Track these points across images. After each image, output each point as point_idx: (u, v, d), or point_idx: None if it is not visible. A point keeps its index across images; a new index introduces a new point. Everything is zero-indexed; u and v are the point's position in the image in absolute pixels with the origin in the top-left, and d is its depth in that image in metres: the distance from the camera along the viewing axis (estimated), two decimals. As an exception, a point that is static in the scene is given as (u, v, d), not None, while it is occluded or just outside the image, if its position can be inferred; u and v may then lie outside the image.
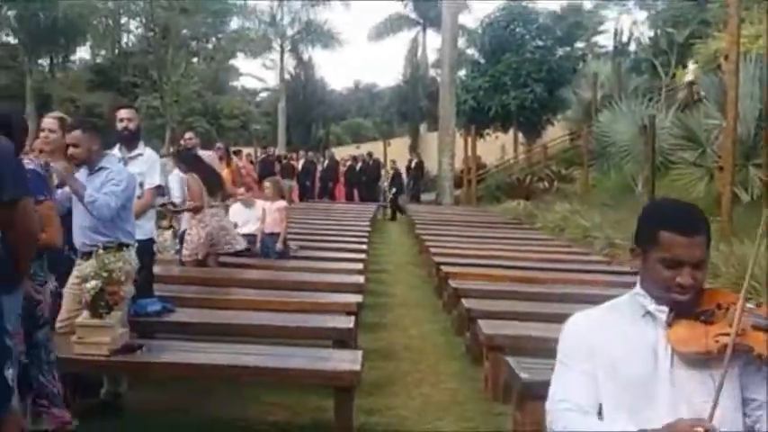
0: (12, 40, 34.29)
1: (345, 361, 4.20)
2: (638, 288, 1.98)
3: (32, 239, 3.03)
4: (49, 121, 4.71)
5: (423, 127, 39.03)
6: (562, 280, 7.62)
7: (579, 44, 31.90)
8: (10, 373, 2.58)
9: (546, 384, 3.78)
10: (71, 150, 4.39)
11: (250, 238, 8.28)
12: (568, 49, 29.87)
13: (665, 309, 1.91)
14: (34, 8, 30.69)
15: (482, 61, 28.88)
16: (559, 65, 27.61)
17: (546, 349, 4.70)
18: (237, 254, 8.14)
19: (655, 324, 1.92)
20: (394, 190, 20.07)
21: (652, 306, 1.93)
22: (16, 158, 3.05)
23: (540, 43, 28.25)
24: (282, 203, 8.37)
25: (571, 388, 1.95)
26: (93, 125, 4.64)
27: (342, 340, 5.04)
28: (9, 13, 32.41)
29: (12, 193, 2.80)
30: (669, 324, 1.90)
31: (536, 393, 3.85)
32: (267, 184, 8.65)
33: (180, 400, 4.67)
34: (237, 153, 15.24)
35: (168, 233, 8.75)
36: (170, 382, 4.75)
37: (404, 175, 22.54)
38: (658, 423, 1.79)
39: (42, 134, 4.70)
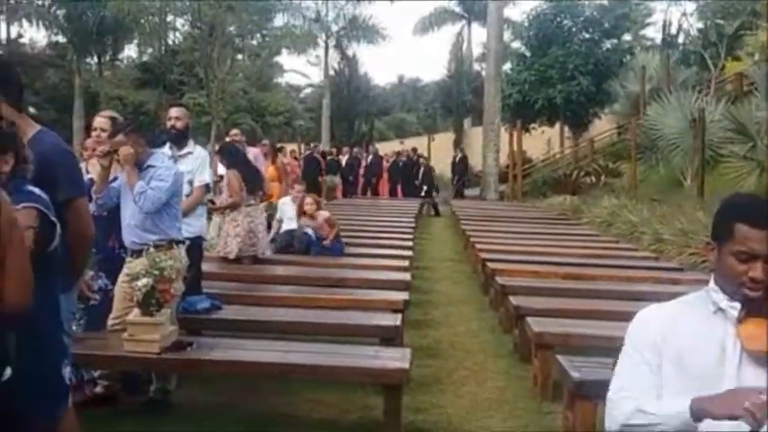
0: (61, 39, 35.07)
1: (394, 359, 4.18)
2: (711, 284, 1.96)
3: (87, 240, 3.08)
4: (100, 121, 4.77)
5: (467, 122, 38.80)
6: (610, 276, 7.49)
7: (626, 36, 31.24)
8: (67, 371, 2.62)
9: (598, 383, 3.75)
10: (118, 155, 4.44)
11: (294, 232, 8.34)
12: (616, 41, 29.31)
13: (737, 305, 1.88)
14: (82, 7, 31.30)
15: (528, 54, 28.57)
16: (607, 57, 27.16)
17: (596, 347, 4.68)
18: (283, 250, 8.22)
19: (726, 320, 1.90)
20: (425, 188, 19.82)
21: (724, 302, 1.90)
22: (73, 159, 3.11)
23: (587, 36, 27.83)
24: (325, 214, 8.36)
25: (635, 379, 1.93)
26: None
27: (389, 338, 5.02)
28: (58, 12, 33.13)
29: (67, 193, 2.85)
30: (740, 321, 1.87)
31: (587, 392, 3.80)
32: (308, 200, 8.54)
33: (227, 397, 4.71)
34: (281, 150, 15.38)
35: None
36: (217, 379, 4.81)
37: (435, 171, 22.34)
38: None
39: (94, 133, 4.77)
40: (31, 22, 34.59)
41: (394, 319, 5.24)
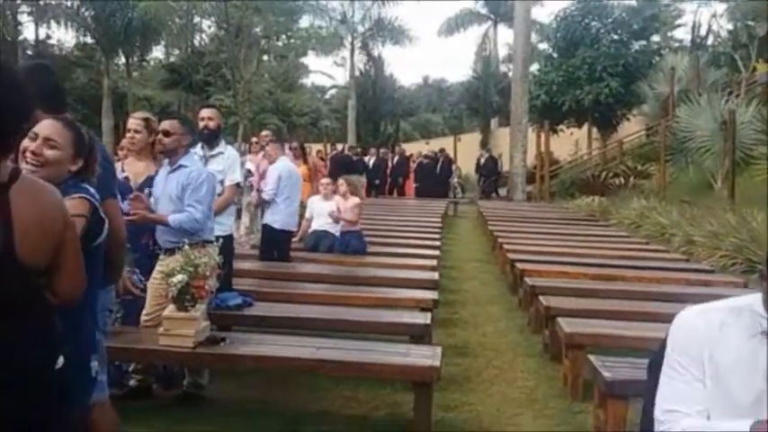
0: (89, 40, 35.58)
1: (425, 356, 4.21)
2: (761, 305, 1.87)
3: (121, 238, 3.17)
4: (134, 122, 4.87)
5: (494, 122, 38.71)
6: (640, 278, 7.46)
7: (655, 38, 30.97)
8: (95, 365, 2.68)
9: (629, 383, 3.78)
10: (161, 138, 4.55)
11: (320, 233, 8.41)
12: (644, 42, 29.07)
13: None
14: (111, 9, 31.72)
15: (555, 56, 28.44)
16: (635, 59, 26.95)
17: (628, 347, 4.69)
18: (311, 249, 8.31)
19: None
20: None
21: None
22: (105, 160, 3.19)
23: (616, 37, 27.63)
24: (357, 200, 8.46)
25: (683, 394, 1.89)
26: (190, 121, 4.81)
27: (418, 336, 5.06)
28: (86, 13, 33.61)
29: (100, 193, 2.94)
30: None
31: (619, 391, 3.83)
32: (341, 181, 8.74)
33: (259, 392, 4.78)
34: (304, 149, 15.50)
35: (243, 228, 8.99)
36: (249, 374, 4.87)
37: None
38: None
39: (128, 134, 4.87)
40: (60, 23, 35.12)
41: (424, 318, 5.27)
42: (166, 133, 4.55)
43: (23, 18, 35.71)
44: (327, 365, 4.13)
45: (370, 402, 4.66)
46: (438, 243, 10.17)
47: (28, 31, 36.48)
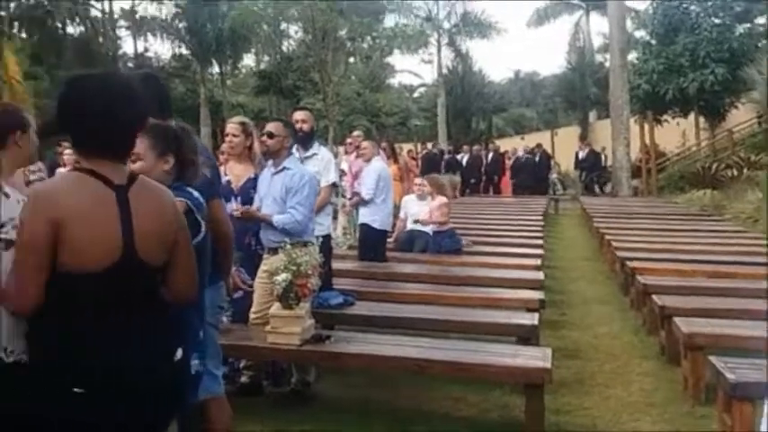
0: (184, 51, 37.02)
1: (535, 358, 4.12)
2: None
3: (227, 237, 3.28)
4: (232, 126, 5.03)
5: (592, 115, 37.76)
6: (760, 274, 7.06)
7: (761, 20, 29.42)
8: (195, 363, 2.73)
9: (755, 384, 3.58)
10: (265, 139, 4.68)
11: (414, 233, 8.41)
12: (749, 25, 27.66)
13: None
14: (203, 20, 32.90)
15: (653, 43, 27.46)
16: (740, 43, 25.64)
17: (750, 348, 4.44)
18: (404, 249, 8.31)
19: None
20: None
21: None
22: (209, 161, 3.29)
23: (717, 21, 26.37)
24: (443, 200, 8.41)
25: None
26: (291, 124, 4.93)
27: (526, 337, 4.97)
28: (180, 25, 34.98)
29: (205, 194, 3.02)
30: None
31: (745, 394, 3.64)
32: (424, 181, 8.69)
33: (365, 391, 4.81)
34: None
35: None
36: (354, 372, 4.91)
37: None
38: None
39: (227, 139, 5.03)
40: (156, 35, 36.73)
41: (531, 318, 5.17)
42: (270, 135, 4.70)
43: (122, 32, 37.53)
44: (436, 366, 4.10)
45: (479, 404, 4.61)
46: (540, 241, 9.98)
47: (127, 45, 38.28)
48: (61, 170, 10.15)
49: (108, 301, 2.11)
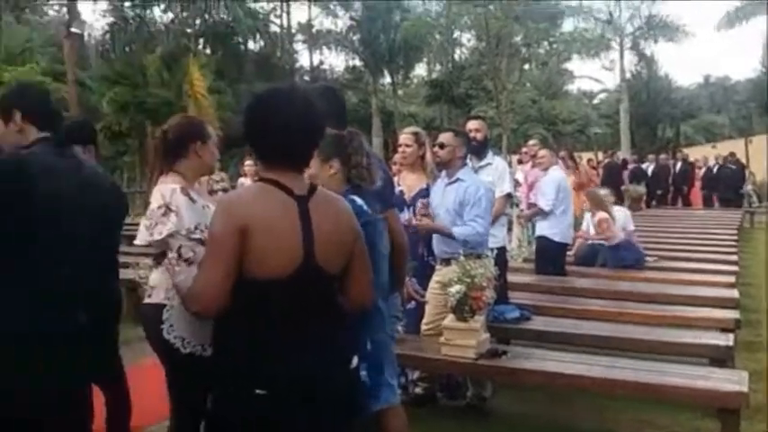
0: (357, 63, 38.38)
1: (730, 381, 3.88)
2: None
3: (401, 248, 3.37)
4: (405, 137, 5.15)
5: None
6: None
7: None
8: (363, 374, 2.82)
9: None
10: (437, 150, 4.76)
11: (596, 246, 8.18)
12: None
13: None
14: (376, 31, 33.96)
15: None
16: None
17: None
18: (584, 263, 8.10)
19: None
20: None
21: None
22: (384, 173, 3.41)
23: None
24: (603, 215, 8.12)
25: None
26: (464, 134, 4.99)
27: (719, 359, 4.69)
28: (354, 38, 36.31)
29: (380, 204, 3.13)
30: None
31: None
32: (585, 196, 8.42)
33: (543, 409, 4.76)
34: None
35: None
36: (531, 389, 4.85)
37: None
38: None
39: (399, 149, 5.16)
40: (331, 48, 38.36)
41: (725, 339, 4.87)
42: (442, 145, 4.76)
43: (298, 46, 39.55)
44: (620, 386, 3.97)
45: (669, 428, 4.43)
46: (735, 257, 9.35)
47: (303, 59, 40.27)
48: (242, 180, 10.89)
49: (289, 308, 2.23)
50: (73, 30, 20.06)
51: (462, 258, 4.22)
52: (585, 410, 4.69)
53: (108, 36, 27.44)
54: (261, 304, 2.23)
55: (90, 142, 3.97)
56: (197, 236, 2.86)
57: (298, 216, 2.26)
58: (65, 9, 23.59)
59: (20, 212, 2.50)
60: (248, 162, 11.40)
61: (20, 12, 27.41)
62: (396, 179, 5.00)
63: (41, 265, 2.54)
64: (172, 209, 2.88)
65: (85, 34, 26.54)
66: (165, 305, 2.91)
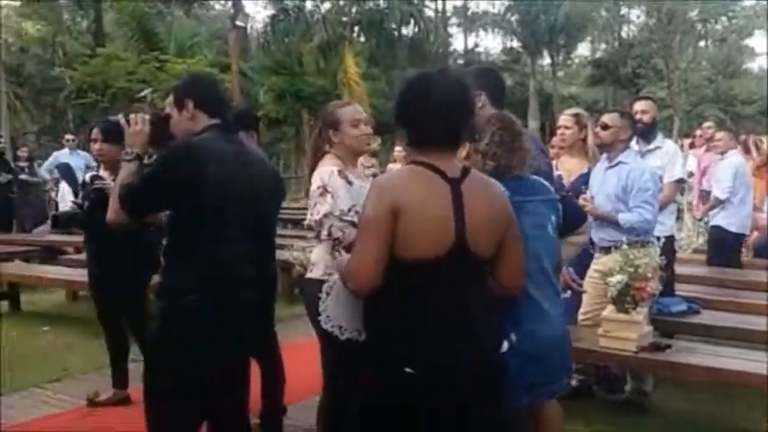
0: (515, 44, 37.91)
1: None
2: None
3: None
4: (564, 118, 5.07)
5: None
6: None
7: None
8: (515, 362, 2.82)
9: None
10: (599, 131, 4.68)
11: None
12: None
13: None
14: (536, 11, 33.37)
15: None
16: None
17: None
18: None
19: None
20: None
21: None
22: (542, 154, 3.41)
23: None
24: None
25: None
26: (631, 115, 4.87)
27: None
28: (512, 19, 35.87)
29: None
30: None
31: None
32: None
33: (709, 408, 4.61)
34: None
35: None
36: (696, 386, 4.71)
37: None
38: None
39: (558, 131, 5.09)
40: (487, 30, 38.12)
41: None
42: (605, 126, 4.64)
43: (453, 30, 39.56)
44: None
45: None
46: None
47: (457, 42, 40.26)
48: (391, 166, 11.11)
49: (438, 290, 2.31)
50: (237, 23, 21.16)
51: (625, 247, 4.13)
52: (752, 410, 4.47)
53: (269, 28, 28.70)
54: (411, 286, 2.31)
55: (252, 129, 4.26)
56: (349, 218, 3.05)
57: (450, 199, 2.32)
58: (230, 3, 24.93)
59: (191, 196, 2.74)
60: (398, 148, 11.63)
61: (189, 6, 29.22)
62: (554, 163, 4.95)
63: (210, 246, 2.78)
64: (329, 190, 3.11)
65: (248, 26, 27.89)
66: (324, 280, 3.15)
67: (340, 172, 3.17)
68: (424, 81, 2.41)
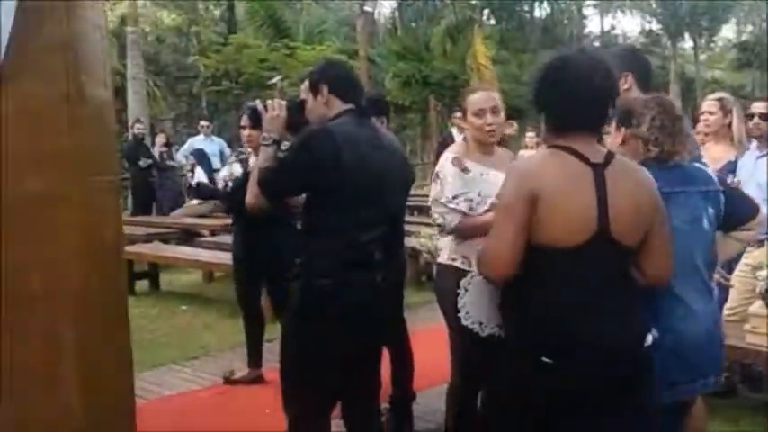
0: (654, 26, 36.49)
1: None
2: None
3: None
4: (708, 104, 4.88)
5: None
6: None
7: None
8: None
9: None
10: (758, 122, 4.49)
11: None
12: None
13: None
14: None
15: None
16: None
17: None
18: None
19: None
20: None
21: None
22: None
23: None
24: None
25: None
26: None
27: None
28: (652, 0, 34.56)
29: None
30: None
31: None
32: None
33: None
34: None
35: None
36: None
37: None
38: None
39: (701, 117, 4.89)
40: (624, 12, 36.89)
41: None
42: (765, 116, 4.46)
43: (588, 11, 38.52)
44: None
45: None
46: None
47: (592, 24, 39.20)
48: (522, 153, 10.93)
49: (578, 279, 2.27)
50: (366, 8, 21.48)
51: (776, 238, 3.93)
52: None
53: (396, 13, 28.88)
54: (549, 273, 2.28)
55: (383, 115, 4.34)
56: (453, 205, 3.12)
57: (593, 185, 2.26)
58: (358, -11, 25.27)
59: (327, 180, 2.82)
60: (530, 134, 11.46)
61: (318, -7, 29.85)
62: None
63: (346, 229, 2.85)
64: (440, 176, 3.21)
65: (376, 12, 28.20)
66: (449, 265, 3.23)
67: (455, 159, 3.22)
68: (564, 62, 2.36)
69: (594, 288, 2.29)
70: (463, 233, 3.19)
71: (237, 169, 4.85)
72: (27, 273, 1.49)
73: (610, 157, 2.35)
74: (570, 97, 2.30)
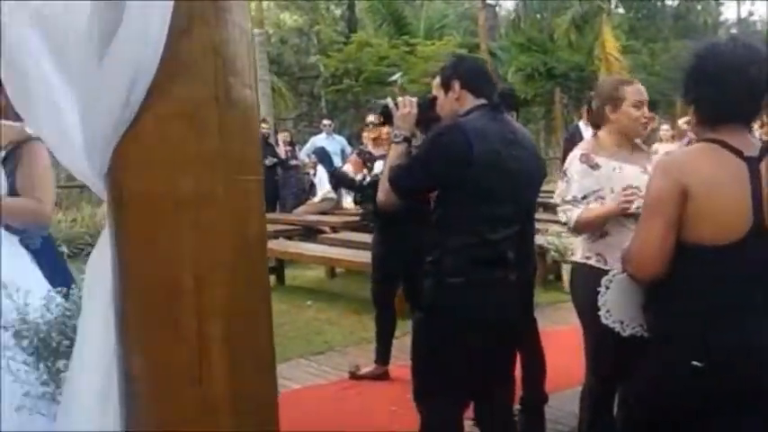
0: None
1: None
2: None
3: None
4: None
5: None
6: None
7: None
8: None
9: None
10: None
11: None
12: None
13: None
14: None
15: None
16: None
17: None
18: None
19: None
20: None
21: None
22: None
23: None
24: None
25: None
26: None
27: None
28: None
29: None
30: None
31: None
32: None
33: None
34: None
35: None
36: None
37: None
38: None
39: None
40: (764, -3, 34.92)
41: None
42: None
43: (727, -2, 36.80)
44: None
45: None
46: None
47: (728, 12, 37.40)
48: (656, 147, 10.54)
49: (733, 277, 2.19)
50: (488, 1, 21.31)
51: None
52: None
53: (519, 5, 28.51)
54: (701, 271, 2.22)
55: (513, 109, 4.30)
56: (578, 204, 3.13)
57: (747, 179, 2.19)
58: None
59: (459, 176, 2.82)
60: (664, 127, 11.05)
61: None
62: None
63: (478, 226, 2.85)
64: (567, 174, 3.21)
65: (497, 5, 27.91)
66: (582, 263, 3.22)
67: (582, 155, 3.17)
68: (716, 51, 2.29)
69: (748, 288, 2.22)
70: (583, 229, 3.17)
71: (379, 167, 4.90)
72: (178, 271, 1.55)
73: (765, 150, 2.25)
74: (724, 90, 2.23)
